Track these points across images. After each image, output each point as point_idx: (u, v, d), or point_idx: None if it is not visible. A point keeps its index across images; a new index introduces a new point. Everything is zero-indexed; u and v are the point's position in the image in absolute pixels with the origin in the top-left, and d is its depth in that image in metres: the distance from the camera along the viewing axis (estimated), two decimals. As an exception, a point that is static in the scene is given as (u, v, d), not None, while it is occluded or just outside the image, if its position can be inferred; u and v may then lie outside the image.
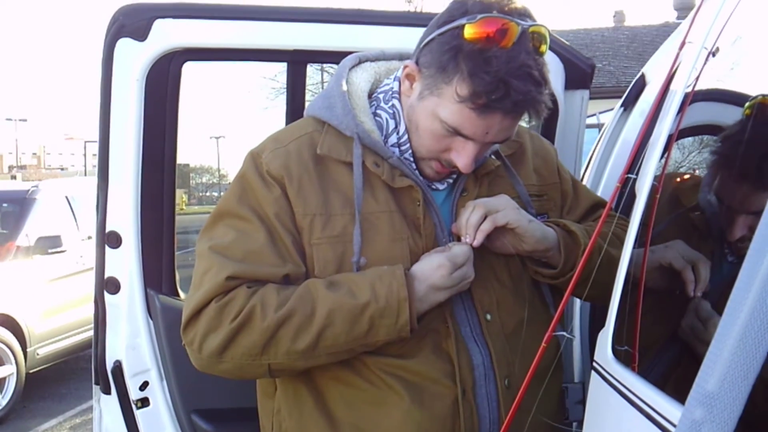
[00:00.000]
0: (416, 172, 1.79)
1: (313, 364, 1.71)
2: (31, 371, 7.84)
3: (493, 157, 1.86)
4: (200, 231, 1.81)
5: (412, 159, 1.79)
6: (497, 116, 1.61)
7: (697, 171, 2.00)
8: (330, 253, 1.72)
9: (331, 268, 1.72)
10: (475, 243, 1.70)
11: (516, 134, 1.95)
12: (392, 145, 1.79)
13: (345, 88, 1.83)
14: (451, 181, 1.84)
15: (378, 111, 1.83)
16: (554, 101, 2.64)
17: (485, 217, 1.71)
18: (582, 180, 3.40)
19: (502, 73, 1.55)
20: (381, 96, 1.85)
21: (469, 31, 1.58)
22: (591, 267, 1.54)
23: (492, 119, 1.62)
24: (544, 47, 1.62)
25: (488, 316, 1.78)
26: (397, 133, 1.79)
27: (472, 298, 1.77)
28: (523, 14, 1.62)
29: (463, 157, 1.69)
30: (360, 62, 1.92)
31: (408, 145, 1.77)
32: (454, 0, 1.68)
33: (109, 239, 2.61)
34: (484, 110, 1.60)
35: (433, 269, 1.68)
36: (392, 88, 1.84)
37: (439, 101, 1.65)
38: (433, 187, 1.82)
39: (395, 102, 1.81)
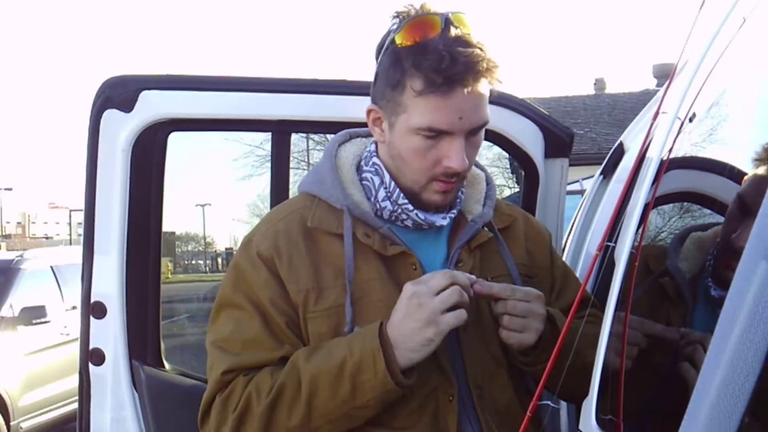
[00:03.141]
0: (403, 240, 1.78)
1: None
2: (14, 445, 7.71)
3: (485, 229, 1.86)
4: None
5: (409, 205, 1.78)
6: (458, 91, 1.62)
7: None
8: (324, 325, 1.72)
9: (326, 340, 1.71)
10: (477, 288, 1.67)
11: (510, 210, 2.00)
12: (383, 200, 1.79)
13: (333, 162, 1.85)
14: (453, 214, 1.83)
15: (364, 176, 1.84)
16: (534, 170, 2.68)
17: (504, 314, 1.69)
18: (564, 248, 3.42)
19: (441, 47, 1.60)
20: (363, 163, 1.87)
21: (399, 38, 1.65)
22: (562, 364, 1.50)
23: (456, 96, 1.62)
24: (468, 28, 1.67)
25: (481, 390, 1.75)
26: (384, 186, 1.80)
27: (465, 370, 1.74)
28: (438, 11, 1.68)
29: (453, 155, 1.67)
30: (351, 138, 1.95)
31: (398, 191, 1.78)
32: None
33: (93, 310, 2.60)
34: (444, 88, 1.61)
35: (405, 304, 1.62)
36: (370, 150, 1.87)
37: (406, 116, 1.67)
38: (438, 223, 1.80)
39: (374, 159, 1.84)
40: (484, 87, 1.66)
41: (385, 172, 1.81)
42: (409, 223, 1.80)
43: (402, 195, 1.78)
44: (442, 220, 1.81)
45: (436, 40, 1.62)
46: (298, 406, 1.64)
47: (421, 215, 1.78)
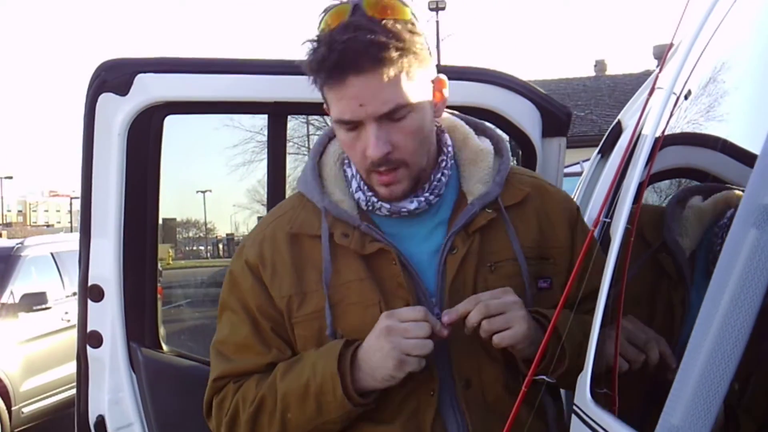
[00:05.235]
0: (395, 231, 1.76)
1: None
2: (16, 430, 7.73)
3: (489, 210, 1.78)
4: None
5: (373, 196, 1.76)
6: (349, 79, 1.58)
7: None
8: (308, 330, 1.75)
9: (311, 344, 1.74)
10: (446, 319, 1.63)
11: (525, 183, 1.88)
12: (356, 191, 1.78)
13: (316, 160, 1.85)
14: (422, 200, 1.76)
15: (345, 169, 1.84)
16: (532, 149, 2.67)
17: (481, 320, 1.62)
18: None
19: (325, 39, 1.59)
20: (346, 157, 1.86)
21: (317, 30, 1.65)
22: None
23: (349, 85, 1.58)
24: (388, 11, 1.61)
25: (468, 383, 1.72)
26: (355, 178, 1.80)
27: (450, 362, 1.72)
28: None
29: (369, 144, 1.63)
30: None
31: (363, 183, 1.77)
32: None
33: (91, 293, 2.61)
34: (330, 81, 1.60)
35: (376, 336, 1.62)
36: None
37: (330, 109, 1.69)
38: (404, 209, 1.74)
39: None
40: (378, 70, 1.58)
41: (353, 164, 1.79)
42: (384, 211, 1.77)
43: (367, 187, 1.77)
44: (410, 205, 1.74)
45: (331, 32, 1.59)
46: (275, 419, 1.71)
47: (387, 204, 1.75)
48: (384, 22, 1.59)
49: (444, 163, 1.80)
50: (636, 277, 1.67)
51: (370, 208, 1.77)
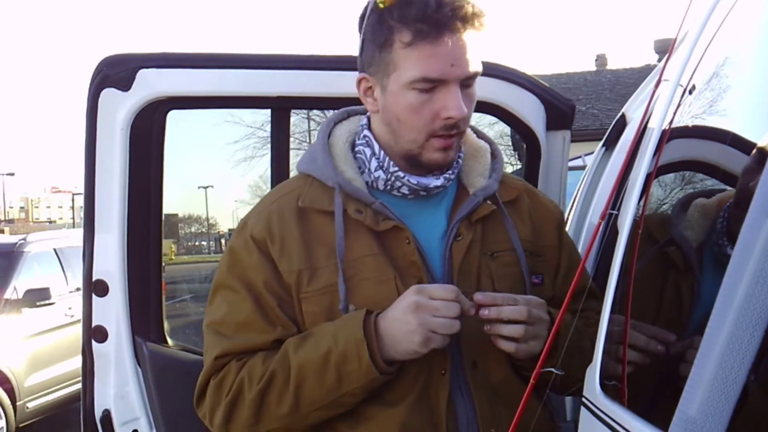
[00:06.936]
0: (400, 212, 1.77)
1: (307, 423, 1.72)
2: (21, 425, 7.75)
3: (488, 202, 1.83)
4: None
5: (399, 171, 1.78)
6: (447, 36, 1.62)
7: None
8: (318, 305, 1.73)
9: (321, 320, 1.72)
10: (480, 298, 1.65)
11: (517, 183, 1.97)
12: (375, 170, 1.79)
13: (326, 140, 1.86)
14: (450, 176, 1.81)
15: (357, 149, 1.85)
16: (536, 142, 2.66)
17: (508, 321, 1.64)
18: (567, 219, 3.42)
19: None
20: (356, 138, 1.87)
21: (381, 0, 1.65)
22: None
23: (445, 42, 1.62)
24: None
25: (474, 364, 1.74)
26: (376, 156, 1.80)
27: (459, 343, 1.73)
28: None
29: (450, 103, 1.66)
30: (348, 116, 1.94)
31: (388, 160, 1.78)
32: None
33: (96, 288, 2.60)
34: (433, 34, 1.62)
35: (403, 310, 1.61)
36: (363, 124, 1.87)
37: (397, 73, 1.67)
38: (432, 185, 1.78)
39: (365, 132, 1.84)
40: (473, 34, 1.65)
41: (375, 142, 1.81)
42: (405, 190, 1.79)
43: (392, 163, 1.78)
44: (436, 181, 1.79)
45: None
46: (287, 395, 1.67)
47: (413, 179, 1.77)
48: None
49: (461, 148, 1.86)
50: (644, 270, 1.67)
51: (389, 187, 1.80)
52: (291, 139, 2.82)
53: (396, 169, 1.78)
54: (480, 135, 1.96)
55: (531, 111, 2.65)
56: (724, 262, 1.63)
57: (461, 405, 1.72)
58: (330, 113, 1.99)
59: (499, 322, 1.64)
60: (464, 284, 1.73)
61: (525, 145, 2.76)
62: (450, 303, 1.60)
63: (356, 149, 1.85)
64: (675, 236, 1.72)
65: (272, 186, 2.75)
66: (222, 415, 1.73)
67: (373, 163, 1.80)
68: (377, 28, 1.67)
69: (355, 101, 1.93)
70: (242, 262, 1.79)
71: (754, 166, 1.57)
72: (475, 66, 1.68)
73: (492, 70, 2.62)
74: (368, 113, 1.88)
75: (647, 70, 20.85)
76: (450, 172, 1.81)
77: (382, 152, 1.79)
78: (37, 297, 8.17)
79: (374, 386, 1.65)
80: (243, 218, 1.88)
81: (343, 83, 2.51)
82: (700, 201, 1.73)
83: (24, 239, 8.97)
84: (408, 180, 1.77)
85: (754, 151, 1.56)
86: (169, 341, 2.73)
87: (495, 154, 1.94)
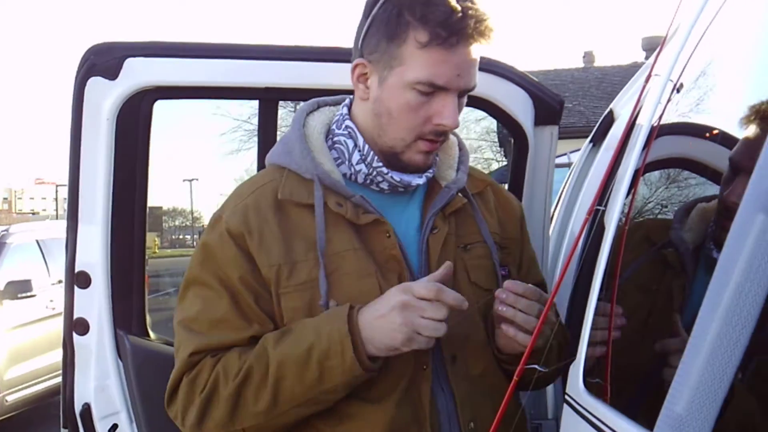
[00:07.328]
0: (376, 207, 1.75)
1: (283, 422, 1.68)
2: (0, 418, 7.70)
3: (459, 194, 1.85)
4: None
5: (383, 167, 1.76)
6: (463, 47, 1.62)
7: (666, 206, 2.01)
8: (298, 300, 1.70)
9: (300, 316, 1.69)
10: (510, 286, 1.63)
11: (483, 176, 2.00)
12: (357, 163, 1.78)
13: (302, 131, 1.82)
14: (430, 174, 1.82)
15: (336, 139, 1.82)
16: (524, 137, 2.66)
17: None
18: (552, 216, 3.42)
19: (450, 1, 1.60)
20: (334, 127, 1.85)
21: None
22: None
23: (459, 52, 1.62)
24: None
25: (454, 357, 1.74)
26: (359, 149, 1.79)
27: (439, 339, 1.69)
28: None
29: (447, 112, 1.67)
30: (318, 107, 1.92)
31: (372, 154, 1.77)
32: None
33: (78, 279, 2.57)
34: (451, 41, 1.60)
35: (388, 307, 1.59)
36: (342, 113, 1.84)
37: (402, 68, 1.65)
38: (414, 183, 1.79)
39: (347, 122, 1.81)
40: (482, 47, 1.66)
41: (359, 134, 1.79)
42: (384, 185, 1.78)
43: (376, 158, 1.77)
44: (418, 179, 1.79)
45: None
46: (265, 390, 1.63)
47: (396, 176, 1.77)
48: None
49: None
50: (638, 269, 1.68)
51: (368, 181, 1.79)
52: (278, 132, 2.80)
53: (380, 164, 1.76)
54: None
55: (519, 105, 2.64)
56: (712, 264, 1.64)
57: (441, 399, 1.72)
58: None
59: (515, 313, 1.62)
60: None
61: (512, 140, 2.75)
62: (437, 305, 1.56)
63: (335, 139, 1.82)
64: (673, 238, 1.73)
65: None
66: (196, 413, 1.69)
67: (356, 156, 1.78)
68: (392, 19, 1.64)
69: (345, 93, 1.92)
70: (216, 257, 1.74)
71: (728, 174, 1.58)
72: (475, 80, 1.70)
73: (481, 64, 2.61)
74: (344, 103, 1.87)
75: (634, 67, 20.88)
76: (430, 171, 1.82)
77: (366, 146, 1.77)
78: (19, 289, 8.13)
79: (355, 383, 1.63)
80: (216, 212, 1.83)
81: (332, 75, 2.50)
82: (702, 205, 1.74)
83: (6, 230, 8.92)
84: (391, 177, 1.76)
85: (730, 157, 1.57)
86: (152, 335, 2.71)
87: (461, 146, 1.95)
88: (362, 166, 1.78)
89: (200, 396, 1.68)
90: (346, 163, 1.79)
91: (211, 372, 1.68)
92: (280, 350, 1.63)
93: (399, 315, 1.56)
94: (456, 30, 1.59)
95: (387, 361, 1.66)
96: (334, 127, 1.85)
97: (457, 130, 1.87)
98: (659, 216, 1.90)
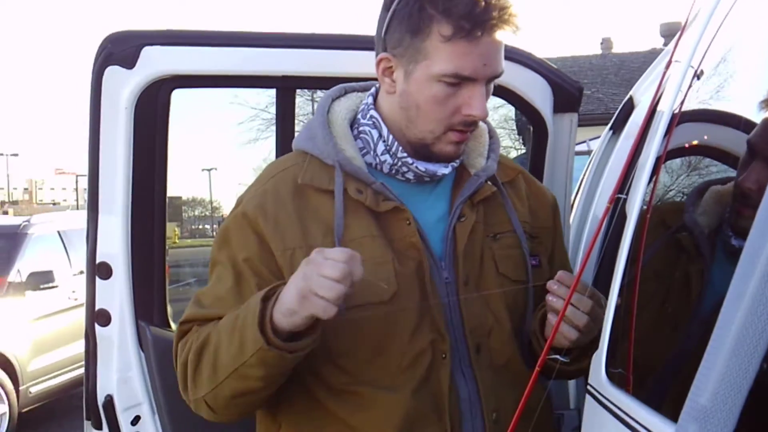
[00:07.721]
0: (401, 194, 1.75)
1: (224, 395, 1.65)
2: (24, 410, 7.76)
3: (489, 183, 1.83)
4: None
5: (408, 158, 1.76)
6: (487, 37, 1.60)
7: (687, 194, 2.00)
8: None
9: None
10: (562, 276, 1.63)
11: (514, 164, 1.98)
12: (382, 153, 1.77)
13: (326, 117, 1.82)
14: (456, 164, 1.81)
15: (361, 129, 1.81)
16: (543, 125, 2.64)
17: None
18: (573, 204, 3.40)
19: None
20: (360, 116, 1.84)
21: None
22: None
23: (483, 43, 1.61)
24: None
25: (478, 347, 1.73)
26: (383, 140, 1.78)
27: (463, 326, 1.72)
28: None
29: (475, 102, 1.65)
30: (345, 93, 1.91)
31: (396, 145, 1.76)
32: None
33: (99, 270, 2.58)
34: (475, 33, 1.59)
35: (299, 269, 1.53)
36: (368, 103, 1.84)
37: (428, 62, 1.64)
38: (439, 173, 1.77)
39: (372, 112, 1.81)
40: (507, 34, 1.64)
41: (383, 125, 1.78)
42: (410, 175, 1.78)
43: (401, 148, 1.76)
44: (444, 169, 1.78)
45: None
46: (210, 357, 1.65)
47: (422, 166, 1.76)
48: None
49: None
50: (654, 255, 1.66)
51: (393, 171, 1.78)
52: (296, 121, 2.79)
53: (405, 155, 1.76)
54: None
55: (538, 93, 2.62)
56: (731, 251, 1.63)
57: (464, 388, 1.71)
58: None
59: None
60: (467, 266, 1.74)
61: (531, 128, 2.73)
62: (335, 264, 1.47)
63: (360, 129, 1.82)
64: (687, 222, 1.71)
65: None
66: (180, 378, 1.75)
67: (380, 147, 1.78)
68: (414, 13, 1.63)
69: (362, 81, 1.91)
70: (230, 239, 1.77)
71: (746, 158, 1.57)
72: (502, 66, 1.68)
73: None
74: (370, 92, 1.86)
75: (653, 54, 20.77)
76: (457, 160, 1.81)
77: (391, 136, 1.76)
78: (41, 280, 8.16)
79: (270, 362, 1.56)
80: (240, 196, 1.86)
81: (350, 62, 2.49)
82: (716, 188, 1.72)
83: (28, 221, 8.93)
84: (416, 167, 1.76)
85: (748, 140, 1.55)
86: (173, 325, 2.71)
87: (492, 134, 1.93)
88: (387, 157, 1.77)
89: (180, 359, 1.74)
90: (371, 153, 1.79)
91: (190, 340, 1.72)
92: (225, 319, 1.65)
93: (300, 271, 1.52)
94: (480, 22, 1.58)
95: (400, 349, 1.66)
96: (359, 116, 1.84)
97: None
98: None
